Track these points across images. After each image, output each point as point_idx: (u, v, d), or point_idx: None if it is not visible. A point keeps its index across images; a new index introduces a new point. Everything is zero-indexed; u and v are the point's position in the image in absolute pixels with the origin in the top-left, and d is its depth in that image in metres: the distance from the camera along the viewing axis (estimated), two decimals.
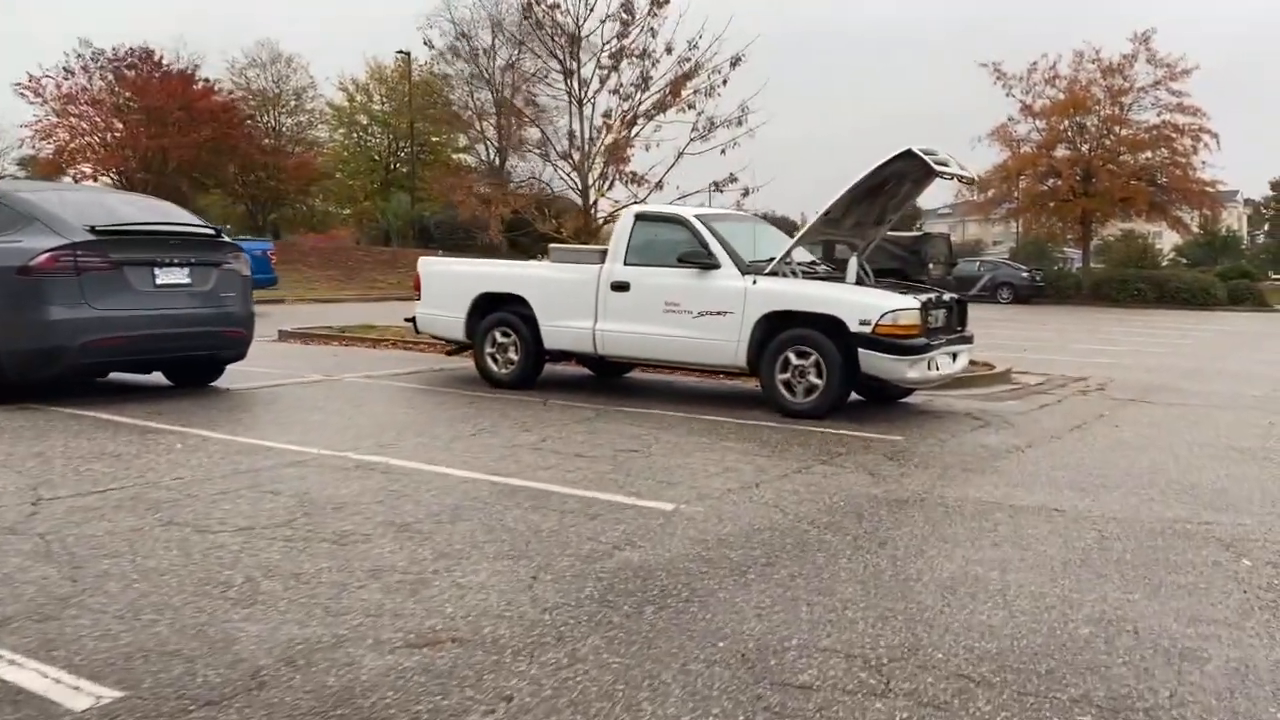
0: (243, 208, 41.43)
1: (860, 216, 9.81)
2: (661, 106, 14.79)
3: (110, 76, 32.74)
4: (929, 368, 8.93)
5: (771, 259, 9.39)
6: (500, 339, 10.62)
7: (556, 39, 14.51)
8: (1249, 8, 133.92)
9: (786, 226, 21.27)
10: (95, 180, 30.94)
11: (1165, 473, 6.90)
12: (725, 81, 15.01)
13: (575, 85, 14.91)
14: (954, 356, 9.47)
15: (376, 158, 58.62)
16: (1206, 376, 13.65)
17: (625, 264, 9.97)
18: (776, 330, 9.09)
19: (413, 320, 11.44)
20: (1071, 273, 40.67)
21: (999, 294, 36.78)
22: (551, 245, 11.12)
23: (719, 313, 9.32)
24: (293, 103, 55.21)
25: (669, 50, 15.11)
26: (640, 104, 14.41)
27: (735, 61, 14.51)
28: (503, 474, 6.30)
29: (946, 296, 9.53)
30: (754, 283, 9.23)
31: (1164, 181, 37.34)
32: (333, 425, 8.13)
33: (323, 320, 18.44)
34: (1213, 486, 6.48)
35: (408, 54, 45.74)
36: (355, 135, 58.73)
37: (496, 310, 10.64)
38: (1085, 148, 37.87)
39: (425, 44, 56.28)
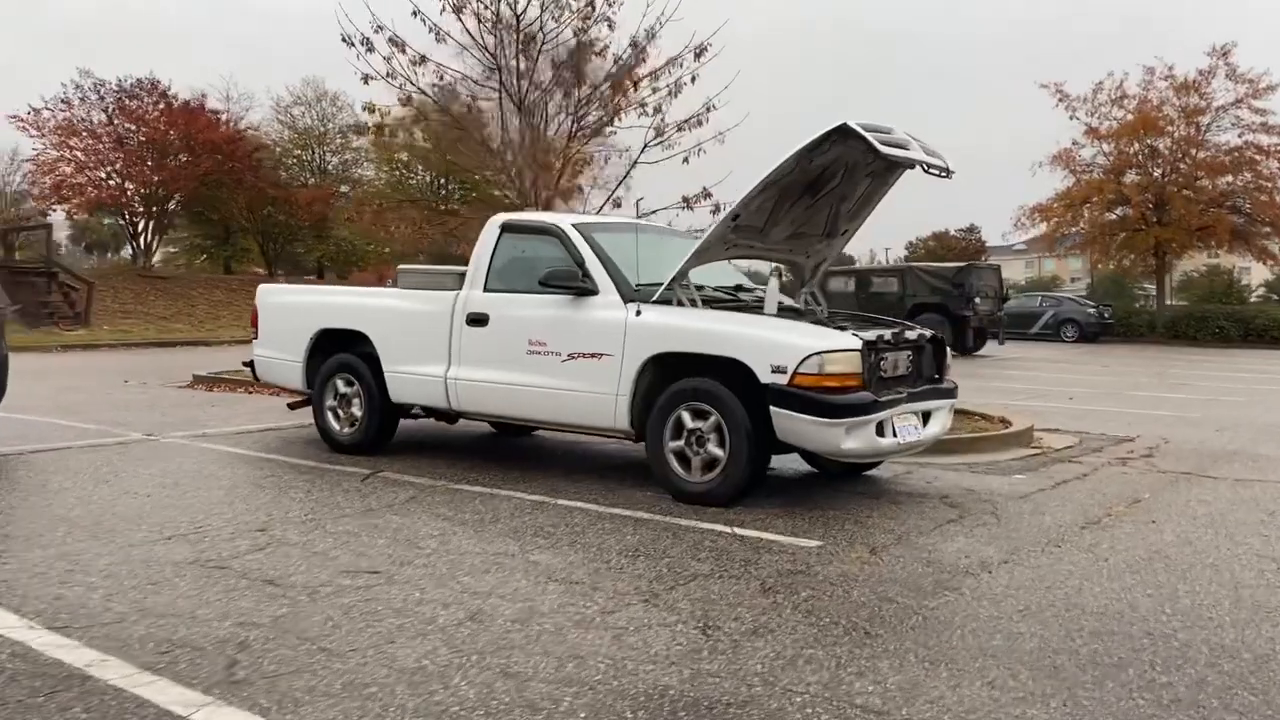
0: (254, 243, 39.76)
1: (799, 225, 7.18)
2: (614, 109, 12.30)
3: (111, 107, 31.39)
4: (880, 434, 6.24)
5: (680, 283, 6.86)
6: (342, 388, 8.17)
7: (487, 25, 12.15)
8: None
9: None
10: (89, 217, 29.65)
11: (1219, 634, 4.13)
12: (694, 79, 12.48)
13: (514, 82, 12.50)
14: (924, 417, 6.75)
15: (420, 195, 57.24)
16: None
17: (485, 289, 7.46)
18: (668, 379, 6.49)
19: (251, 365, 9.03)
20: (1146, 309, 37.07)
21: (1063, 332, 33.41)
22: (400, 266, 8.64)
23: (592, 355, 6.75)
24: (339, 140, 54.05)
25: (635, 44, 12.70)
26: (583, 102, 11.93)
27: (700, 52, 12.00)
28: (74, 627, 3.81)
29: (913, 334, 6.83)
30: (637, 313, 6.65)
31: (1248, 209, 33.70)
32: (19, 517, 5.74)
33: None
34: None
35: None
36: (397, 172, 57.33)
37: (340, 351, 8.19)
38: (1157, 173, 34.46)
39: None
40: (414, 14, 12.28)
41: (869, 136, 5.99)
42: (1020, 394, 14.43)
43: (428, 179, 57.15)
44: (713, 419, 6.27)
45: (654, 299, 6.68)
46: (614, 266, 6.93)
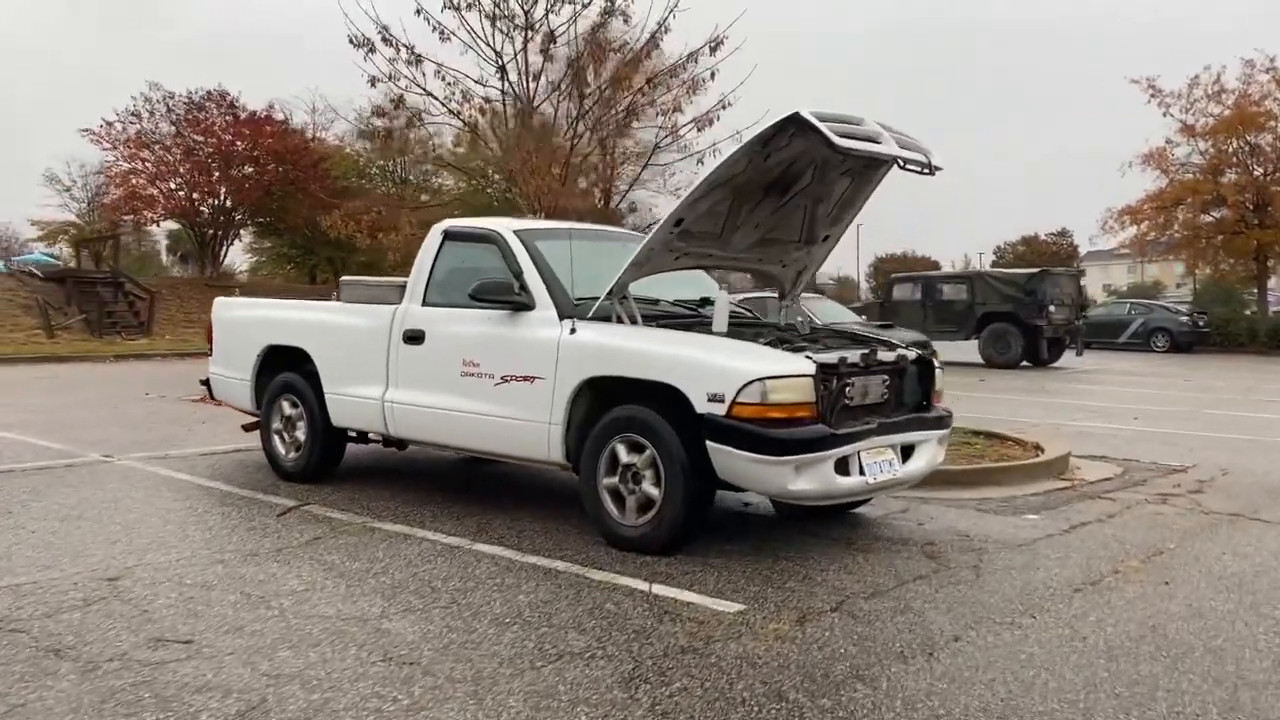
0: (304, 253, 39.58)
1: (768, 230, 6.31)
2: (629, 108, 11.54)
3: (178, 118, 31.67)
4: (843, 472, 5.34)
5: (636, 297, 6.07)
6: (288, 410, 7.55)
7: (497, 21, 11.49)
8: None
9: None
10: (157, 227, 30.00)
11: None
12: (713, 75, 11.66)
13: (522, 82, 11.82)
14: (904, 451, 5.82)
15: (496, 204, 57.16)
16: None
17: (424, 303, 6.75)
18: (607, 406, 5.68)
19: (207, 383, 8.48)
20: (1246, 316, 34.70)
21: (1153, 341, 31.46)
22: (343, 279, 7.98)
23: (525, 378, 5.99)
24: (418, 149, 54.21)
25: (653, 39, 11.93)
26: (596, 101, 11.19)
27: (715, 45, 11.16)
28: None
29: (889, 354, 5.91)
30: (571, 331, 5.86)
31: None
32: None
33: None
34: None
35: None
36: (474, 181, 57.30)
37: (287, 369, 7.57)
38: (1258, 171, 32.31)
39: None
40: (417, 12, 11.68)
41: (823, 128, 5.10)
42: (1081, 413, 13.24)
43: (504, 187, 56.86)
44: (648, 453, 5.45)
45: (590, 315, 5.89)
46: (553, 277, 6.15)
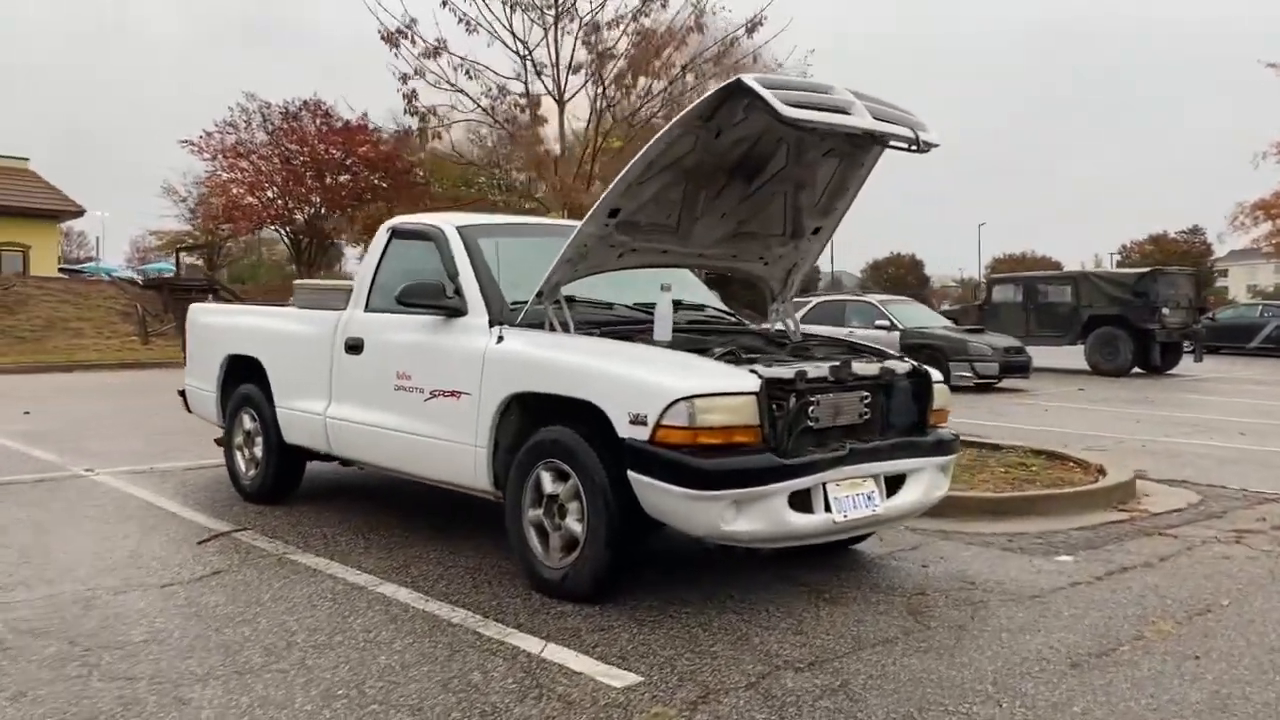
0: None
1: (739, 222, 5.45)
2: (673, 95, 10.73)
3: (274, 128, 32.08)
4: (804, 508, 4.45)
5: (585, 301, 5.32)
6: (248, 424, 6.98)
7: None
8: None
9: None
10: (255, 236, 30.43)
11: None
12: (755, 58, 10.79)
13: (559, 76, 11.12)
14: (890, 482, 4.88)
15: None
16: None
17: (367, 309, 6.09)
18: (535, 426, 4.90)
19: (184, 395, 7.99)
20: None
21: None
22: (296, 282, 7.38)
23: (451, 393, 5.25)
24: (520, 156, 54.37)
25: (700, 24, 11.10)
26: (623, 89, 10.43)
27: (753, 27, 10.27)
28: None
29: (870, 366, 4.97)
30: (499, 340, 5.09)
31: None
32: None
33: None
34: None
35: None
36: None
37: (248, 380, 7.00)
38: None
39: None
40: (443, 4, 11.07)
41: (768, 94, 4.22)
42: (1180, 427, 11.86)
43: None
44: (571, 483, 4.64)
45: (519, 321, 5.11)
46: (490, 279, 5.40)
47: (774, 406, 4.46)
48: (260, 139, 32.14)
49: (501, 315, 5.20)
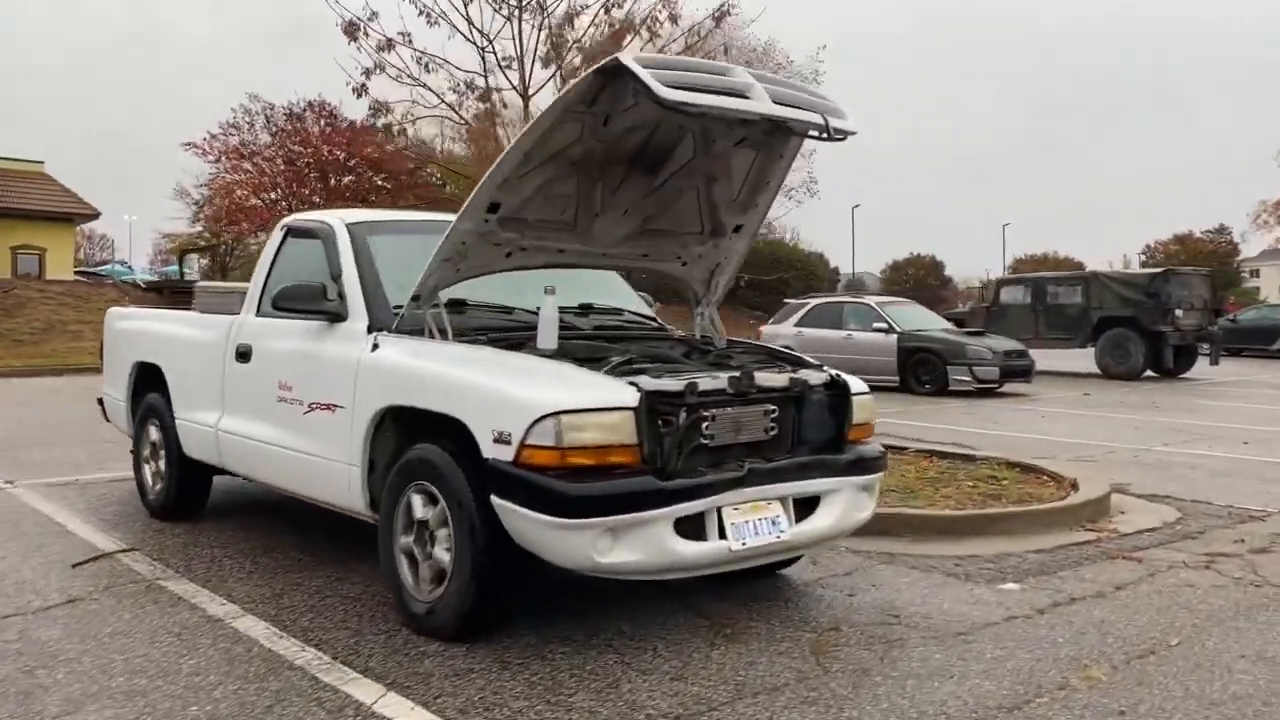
0: None
1: (648, 219, 4.98)
2: None
3: (277, 129, 31.88)
4: (697, 535, 3.99)
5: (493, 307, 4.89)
6: (154, 435, 6.57)
7: None
8: None
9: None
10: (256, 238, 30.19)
11: None
12: (726, 50, 10.32)
13: (524, 69, 10.66)
14: (801, 505, 4.39)
15: None
16: None
17: (259, 312, 5.66)
18: (410, 444, 4.45)
19: (101, 403, 7.60)
20: None
21: None
22: (199, 284, 6.96)
23: (327, 406, 4.81)
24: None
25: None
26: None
27: (720, 17, 9.79)
28: None
29: (778, 376, 4.48)
30: (373, 347, 4.65)
31: None
32: None
33: None
34: None
35: None
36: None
37: (154, 389, 6.60)
38: None
39: None
40: None
41: (645, 74, 3.76)
42: (1181, 435, 11.27)
43: None
44: (440, 507, 4.19)
45: (395, 327, 4.66)
46: (375, 280, 4.96)
47: (660, 423, 3.99)
48: (264, 140, 31.92)
49: (381, 321, 4.75)
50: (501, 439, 3.86)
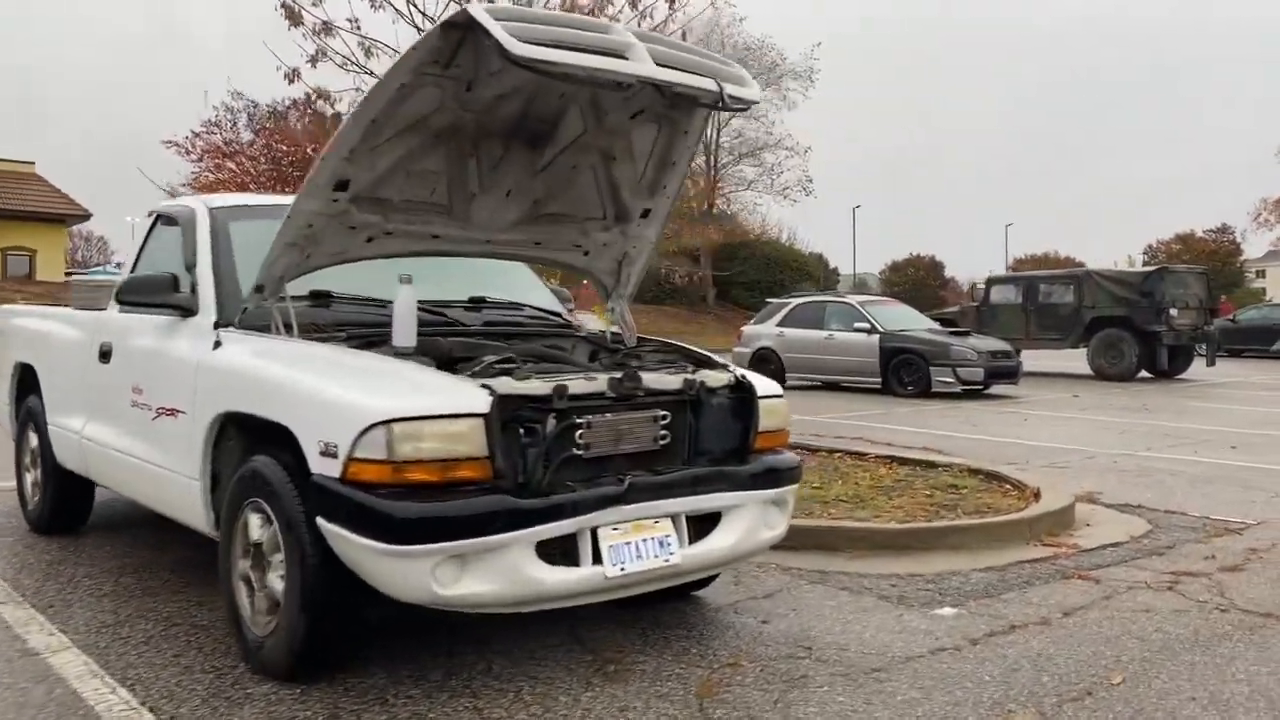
0: None
1: (539, 202, 4.46)
2: None
3: (260, 127, 31.37)
4: (567, 560, 3.48)
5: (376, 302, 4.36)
6: (34, 442, 6.06)
7: None
8: None
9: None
10: None
11: None
12: (684, 35, 9.79)
13: None
14: (697, 523, 3.86)
15: None
16: None
17: (121, 307, 5.14)
18: (250, 456, 3.91)
19: None
20: None
21: None
22: (74, 278, 6.44)
23: (170, 410, 4.29)
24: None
25: None
26: None
27: None
28: None
29: (670, 377, 3.95)
30: (215, 345, 4.12)
31: None
32: None
33: None
34: None
35: None
36: None
37: (33, 392, 6.08)
38: None
39: None
40: None
41: (494, 27, 3.23)
42: (1168, 440, 10.73)
43: None
44: (272, 529, 3.66)
45: (239, 322, 4.14)
46: (229, 270, 4.44)
47: (522, 431, 3.46)
48: (246, 138, 31.40)
49: (230, 315, 4.22)
50: (328, 451, 3.34)
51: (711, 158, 43.93)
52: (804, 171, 44.28)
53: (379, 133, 3.73)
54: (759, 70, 42.96)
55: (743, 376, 4.15)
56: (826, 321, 17.13)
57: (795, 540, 5.66)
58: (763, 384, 4.23)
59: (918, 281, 58.97)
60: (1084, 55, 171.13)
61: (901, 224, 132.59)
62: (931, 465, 7.82)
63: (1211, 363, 20.11)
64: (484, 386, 3.40)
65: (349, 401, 3.34)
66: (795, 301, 18.33)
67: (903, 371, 15.92)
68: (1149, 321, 18.98)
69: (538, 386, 3.53)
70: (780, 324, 17.71)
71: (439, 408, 3.31)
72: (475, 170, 4.15)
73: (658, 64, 3.61)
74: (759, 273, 44.76)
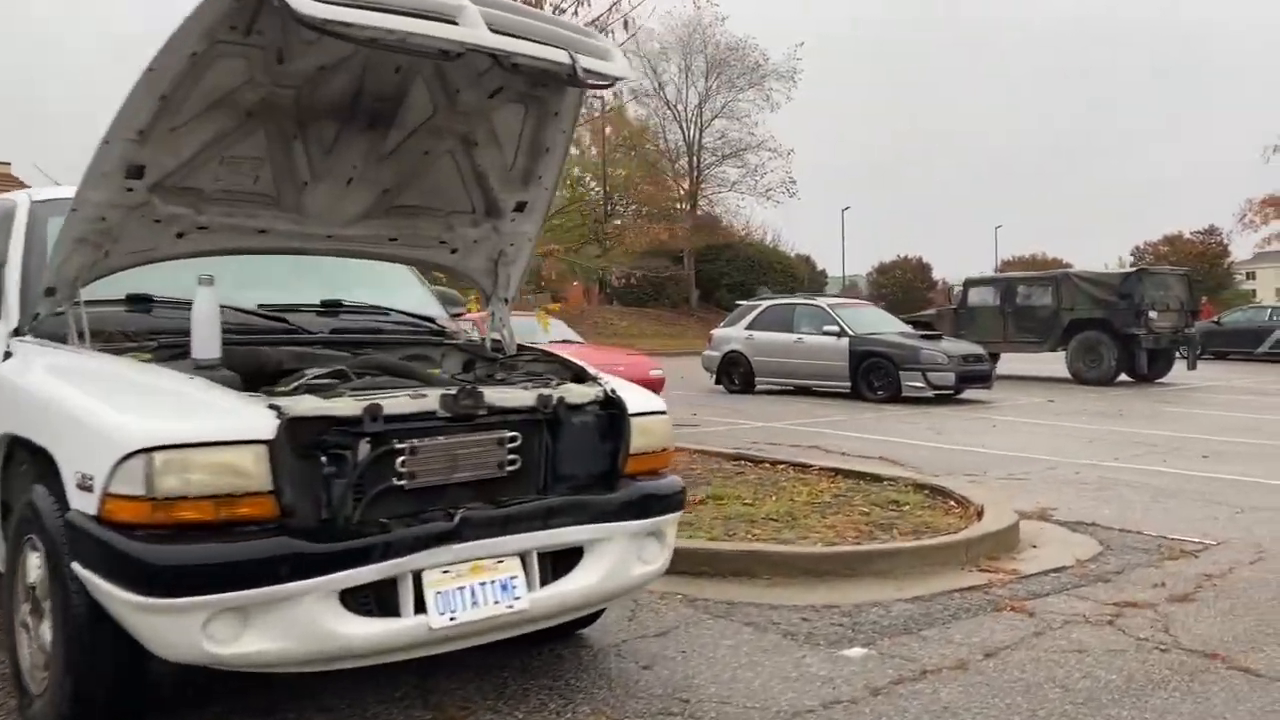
0: None
1: (392, 194, 3.96)
2: None
3: None
4: (381, 611, 2.95)
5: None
6: None
7: None
8: None
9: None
10: None
11: None
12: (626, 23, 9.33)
13: None
14: (553, 560, 3.35)
15: (584, 213, 55.35)
16: None
17: None
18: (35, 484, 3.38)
19: None
20: None
21: None
22: None
23: None
24: None
25: None
26: None
27: None
28: None
29: (524, 393, 3.44)
30: (5, 357, 3.61)
31: None
32: None
33: None
34: None
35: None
36: (571, 188, 55.45)
37: None
38: None
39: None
40: None
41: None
42: (1138, 448, 10.25)
43: (600, 194, 53.71)
44: (44, 570, 3.13)
45: (32, 329, 3.62)
46: (39, 270, 3.90)
47: (324, 459, 2.94)
48: None
49: (31, 322, 3.70)
50: (84, 484, 2.82)
51: (694, 158, 43.52)
52: (787, 173, 43.86)
53: (176, 111, 3.22)
54: (741, 70, 42.53)
55: (613, 391, 3.64)
56: (796, 324, 16.65)
57: (709, 566, 5.22)
58: (638, 399, 3.72)
59: (905, 284, 58.57)
60: (1075, 56, 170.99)
61: (892, 225, 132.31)
62: (877, 479, 7.33)
63: (1193, 366, 19.66)
64: (271, 407, 2.88)
65: (107, 425, 2.82)
66: (765, 304, 17.85)
67: (872, 376, 15.44)
68: (1128, 324, 18.51)
69: (345, 406, 3.01)
70: (749, 326, 17.22)
71: (212, 433, 2.79)
72: (304, 155, 3.64)
73: (495, 31, 3.10)
74: (743, 274, 44.31)
